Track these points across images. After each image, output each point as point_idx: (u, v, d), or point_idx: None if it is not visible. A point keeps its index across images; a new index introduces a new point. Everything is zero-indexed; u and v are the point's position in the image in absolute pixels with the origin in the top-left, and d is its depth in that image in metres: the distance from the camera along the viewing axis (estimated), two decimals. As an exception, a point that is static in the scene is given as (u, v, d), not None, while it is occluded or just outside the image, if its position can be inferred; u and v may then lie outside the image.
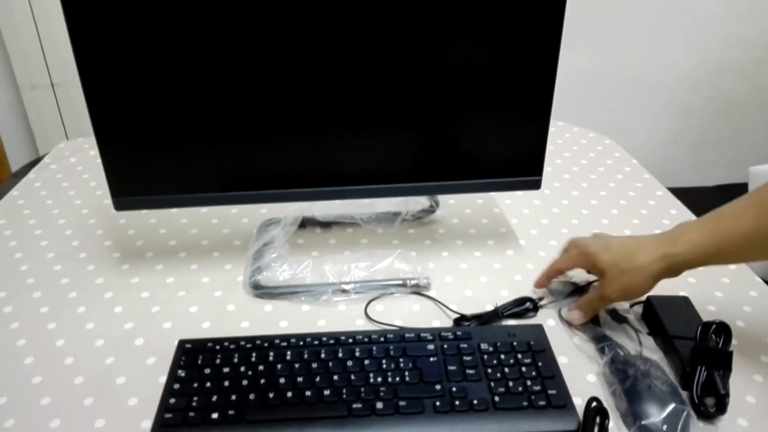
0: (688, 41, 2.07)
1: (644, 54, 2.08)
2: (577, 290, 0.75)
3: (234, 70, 0.69)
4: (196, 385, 0.61)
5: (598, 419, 0.57)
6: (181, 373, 0.63)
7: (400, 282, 0.77)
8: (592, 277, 0.74)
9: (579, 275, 0.76)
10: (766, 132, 2.27)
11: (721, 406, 0.59)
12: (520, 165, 0.78)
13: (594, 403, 0.58)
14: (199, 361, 0.64)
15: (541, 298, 0.75)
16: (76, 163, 1.08)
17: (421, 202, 0.92)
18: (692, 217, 0.92)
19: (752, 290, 0.77)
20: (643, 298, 0.70)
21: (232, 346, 0.65)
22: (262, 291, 0.76)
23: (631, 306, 0.73)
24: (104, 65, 0.68)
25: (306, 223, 0.88)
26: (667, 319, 0.68)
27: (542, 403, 0.60)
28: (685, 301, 0.71)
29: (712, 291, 0.76)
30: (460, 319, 0.72)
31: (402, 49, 0.69)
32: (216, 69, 0.69)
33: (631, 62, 2.10)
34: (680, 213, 0.93)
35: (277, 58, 0.68)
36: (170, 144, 0.73)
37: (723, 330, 0.62)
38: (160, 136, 0.72)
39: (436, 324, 0.71)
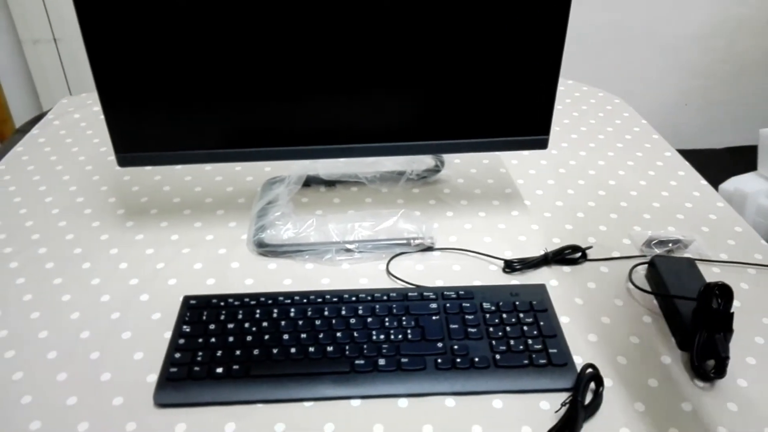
0: (703, -2, 2.02)
1: (658, 11, 2.03)
2: None
3: (238, 25, 0.67)
4: (200, 340, 0.62)
5: (592, 385, 0.57)
6: (186, 328, 0.63)
7: (404, 241, 0.77)
8: None
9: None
10: (779, 93, 2.23)
11: (720, 369, 0.59)
12: (527, 124, 0.77)
13: (589, 369, 0.58)
14: (204, 317, 0.64)
15: (589, 247, 0.75)
16: (80, 119, 1.07)
17: (426, 161, 0.91)
18: (701, 179, 0.91)
19: (757, 253, 0.76)
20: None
21: (236, 303, 0.66)
22: (266, 249, 0.76)
23: (634, 267, 0.73)
24: (106, 20, 0.66)
25: (310, 182, 0.88)
26: (670, 280, 0.68)
27: (543, 361, 0.60)
28: (690, 262, 0.71)
29: (716, 253, 0.76)
30: (510, 264, 0.73)
31: (408, 4, 0.68)
32: (220, 23, 0.67)
33: (644, 19, 2.05)
34: (688, 174, 0.92)
35: (282, 13, 0.67)
36: (174, 100, 0.72)
37: (725, 291, 0.62)
38: (164, 92, 0.71)
39: (440, 283, 0.72)
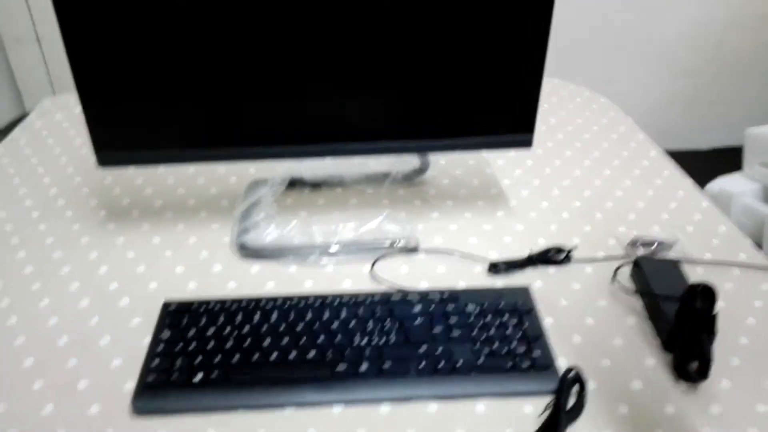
0: (690, -4, 2.03)
1: (645, 11, 2.04)
2: None
3: (222, 23, 0.66)
4: (180, 346, 0.61)
5: (576, 387, 0.57)
6: (165, 334, 0.62)
7: (389, 243, 0.76)
8: None
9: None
10: (765, 93, 2.24)
11: (704, 371, 0.59)
12: (511, 122, 0.77)
13: (572, 372, 0.57)
14: (184, 323, 0.63)
15: (574, 248, 0.75)
16: (62, 120, 1.06)
17: (412, 162, 0.90)
18: (685, 179, 0.91)
19: (742, 252, 0.76)
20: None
21: (217, 308, 0.65)
22: (249, 251, 0.75)
23: (619, 267, 0.73)
24: (85, 16, 0.65)
25: (294, 183, 0.87)
26: (654, 281, 0.67)
27: (526, 364, 0.60)
28: (674, 263, 0.71)
29: (701, 253, 0.76)
30: (494, 266, 0.72)
31: (392, 3, 0.67)
32: (202, 21, 0.66)
33: (631, 19, 2.05)
34: (673, 174, 0.92)
35: (266, 11, 0.66)
36: (155, 97, 0.71)
37: (708, 292, 0.62)
38: (144, 90, 0.70)
39: (424, 285, 0.71)
